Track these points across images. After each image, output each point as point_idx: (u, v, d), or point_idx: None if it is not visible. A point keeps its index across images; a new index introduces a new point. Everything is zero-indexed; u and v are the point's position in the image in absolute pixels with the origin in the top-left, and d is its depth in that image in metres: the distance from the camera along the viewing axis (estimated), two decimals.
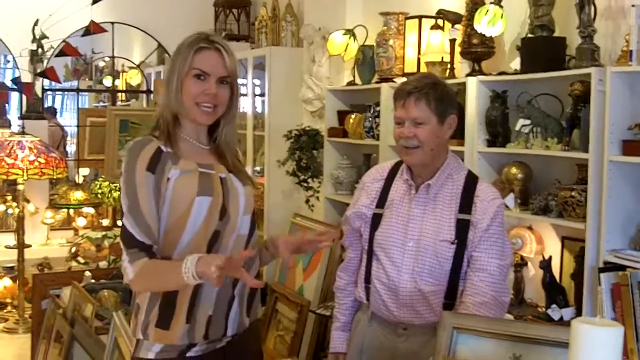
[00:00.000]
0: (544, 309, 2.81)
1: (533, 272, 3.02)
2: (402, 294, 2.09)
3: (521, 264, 3.00)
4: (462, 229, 2.06)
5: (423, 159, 2.09)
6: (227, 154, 1.96)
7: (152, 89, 6.62)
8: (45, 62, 5.80)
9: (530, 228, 3.01)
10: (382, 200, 2.19)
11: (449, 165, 2.14)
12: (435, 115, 2.06)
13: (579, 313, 2.62)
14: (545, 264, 2.80)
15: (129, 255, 1.78)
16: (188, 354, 1.87)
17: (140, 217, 1.78)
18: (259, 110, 5.32)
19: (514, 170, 2.96)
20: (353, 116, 4.10)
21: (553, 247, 2.96)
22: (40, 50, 5.75)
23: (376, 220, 2.18)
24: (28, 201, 5.59)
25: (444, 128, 2.09)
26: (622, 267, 2.43)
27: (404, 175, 2.17)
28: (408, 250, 2.10)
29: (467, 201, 2.09)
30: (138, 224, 1.78)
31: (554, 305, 2.74)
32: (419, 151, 2.08)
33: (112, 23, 6.19)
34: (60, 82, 6.17)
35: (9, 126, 6.45)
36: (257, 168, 5.27)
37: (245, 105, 5.40)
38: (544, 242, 2.99)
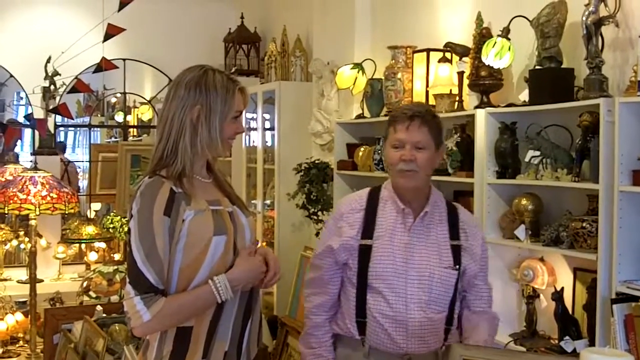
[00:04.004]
0: (557, 341, 2.78)
1: (545, 304, 3.00)
2: (411, 325, 2.08)
3: (533, 295, 2.98)
4: (457, 254, 2.15)
5: (418, 183, 2.14)
6: (224, 182, 2.02)
7: None
8: (57, 98, 5.86)
9: (541, 259, 2.99)
10: (368, 231, 2.15)
11: (434, 192, 2.22)
12: (433, 142, 2.13)
13: (592, 345, 2.59)
14: (558, 296, 2.78)
15: (143, 299, 1.77)
16: None
17: (157, 263, 1.79)
18: (268, 144, 5.36)
19: (524, 201, 2.95)
20: (362, 149, 4.11)
21: (565, 279, 2.94)
22: (52, 87, 5.82)
23: (365, 252, 2.13)
24: (40, 236, 5.61)
25: (437, 156, 2.17)
26: (635, 298, 2.41)
27: (397, 203, 2.16)
28: (411, 280, 2.10)
29: (454, 227, 2.18)
30: (155, 270, 1.79)
31: (567, 337, 2.71)
32: (416, 175, 2.11)
33: (124, 60, 6.28)
34: (72, 118, 6.22)
35: (17, 161, 6.51)
36: (267, 201, 5.27)
37: (255, 139, 5.44)
38: (555, 273, 2.97)
